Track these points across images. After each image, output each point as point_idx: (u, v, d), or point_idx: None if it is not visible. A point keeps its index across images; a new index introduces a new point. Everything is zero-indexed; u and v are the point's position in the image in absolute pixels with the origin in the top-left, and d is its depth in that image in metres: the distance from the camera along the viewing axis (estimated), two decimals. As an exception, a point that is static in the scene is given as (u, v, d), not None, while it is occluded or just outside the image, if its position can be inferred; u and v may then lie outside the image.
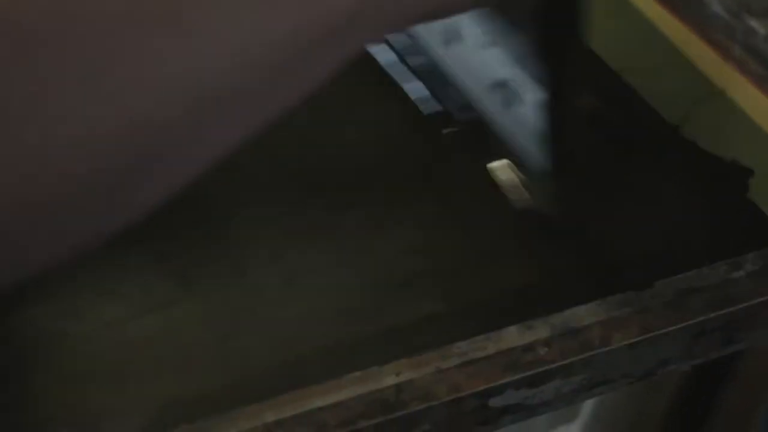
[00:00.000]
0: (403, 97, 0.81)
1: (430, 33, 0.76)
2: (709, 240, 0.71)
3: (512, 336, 0.63)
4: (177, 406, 0.63)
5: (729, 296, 0.66)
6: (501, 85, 0.70)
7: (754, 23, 0.79)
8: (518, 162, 0.72)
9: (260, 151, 0.77)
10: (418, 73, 0.83)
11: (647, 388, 1.11)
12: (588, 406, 1.12)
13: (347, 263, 0.71)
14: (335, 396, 0.61)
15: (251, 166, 0.78)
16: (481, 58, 0.72)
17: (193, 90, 0.44)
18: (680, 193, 0.75)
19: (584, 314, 0.64)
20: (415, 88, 0.82)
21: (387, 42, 0.85)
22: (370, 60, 0.84)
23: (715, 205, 0.73)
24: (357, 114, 0.81)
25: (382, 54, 0.85)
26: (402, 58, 0.84)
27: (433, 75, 0.80)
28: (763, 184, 0.74)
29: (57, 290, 0.70)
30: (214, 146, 0.48)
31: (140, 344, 0.67)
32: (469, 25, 0.72)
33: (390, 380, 0.61)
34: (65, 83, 0.41)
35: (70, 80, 0.41)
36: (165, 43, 0.42)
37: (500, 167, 0.74)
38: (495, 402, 0.62)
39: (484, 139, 0.73)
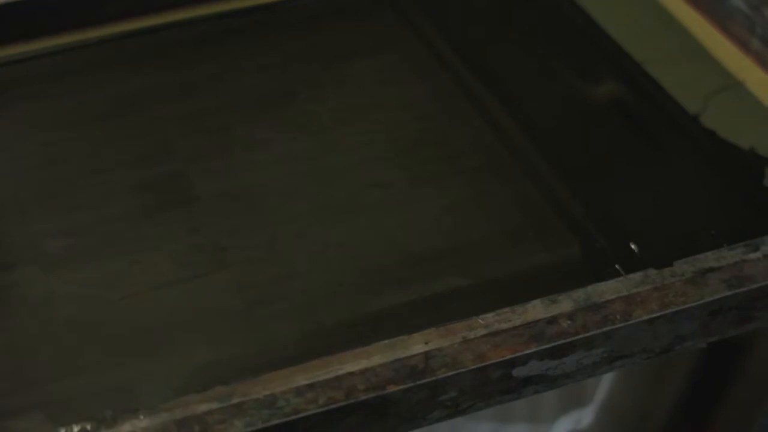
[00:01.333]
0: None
1: None
2: (727, 223, 0.73)
3: (537, 309, 0.65)
4: (212, 369, 0.65)
5: (745, 276, 0.68)
6: None
7: (773, 17, 0.81)
8: None
9: (293, 130, 0.80)
10: None
11: (656, 380, 1.13)
12: (598, 393, 1.14)
13: (374, 237, 0.74)
14: (365, 362, 0.63)
15: (284, 143, 0.80)
16: None
17: None
18: (700, 179, 0.77)
19: (606, 290, 0.66)
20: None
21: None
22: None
23: (733, 191, 0.76)
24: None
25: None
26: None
27: None
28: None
29: (91, 259, 0.72)
30: None
31: (177, 311, 0.69)
32: None
33: (419, 348, 0.63)
34: None
35: None
36: None
37: None
38: (519, 372, 0.64)
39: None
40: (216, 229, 0.74)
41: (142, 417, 0.60)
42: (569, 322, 0.65)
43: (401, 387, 0.62)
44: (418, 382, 0.62)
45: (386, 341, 0.64)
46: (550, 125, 0.81)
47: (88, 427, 0.60)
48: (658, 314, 0.66)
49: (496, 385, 0.65)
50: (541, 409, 1.16)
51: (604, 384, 1.12)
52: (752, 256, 0.69)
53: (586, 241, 0.73)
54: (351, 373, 0.62)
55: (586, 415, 1.14)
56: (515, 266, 0.72)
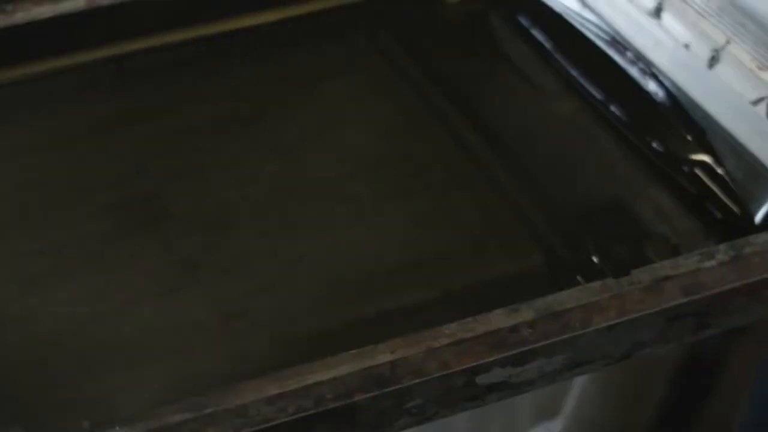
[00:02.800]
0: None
1: None
2: (684, 234, 0.75)
3: (499, 318, 0.67)
4: (187, 380, 0.67)
5: (701, 284, 0.70)
6: None
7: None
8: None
9: (264, 149, 0.82)
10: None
11: (633, 396, 1.14)
12: (573, 407, 1.16)
13: (342, 252, 0.76)
14: (333, 371, 0.64)
15: (255, 163, 0.82)
16: None
17: None
18: (657, 193, 0.80)
19: (566, 299, 0.68)
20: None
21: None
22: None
23: (689, 203, 0.78)
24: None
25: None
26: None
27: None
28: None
29: (69, 277, 0.75)
30: None
31: (151, 326, 0.71)
32: None
33: (385, 357, 0.65)
34: None
35: None
36: None
37: None
38: (482, 379, 0.66)
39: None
40: (189, 246, 0.77)
41: (118, 428, 0.62)
42: (530, 330, 0.67)
43: (368, 395, 0.64)
44: (385, 390, 0.64)
45: (354, 351, 0.66)
46: (514, 142, 0.84)
47: (66, 437, 0.62)
48: (617, 321, 0.68)
49: (461, 392, 0.66)
50: (515, 421, 1.18)
51: (580, 398, 1.14)
52: (707, 264, 0.71)
53: (549, 252, 0.76)
54: (319, 383, 0.64)
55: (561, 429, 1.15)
56: (480, 277, 0.75)
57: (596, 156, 0.83)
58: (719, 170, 0.79)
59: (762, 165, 0.78)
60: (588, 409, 1.13)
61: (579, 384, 1.09)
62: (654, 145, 0.82)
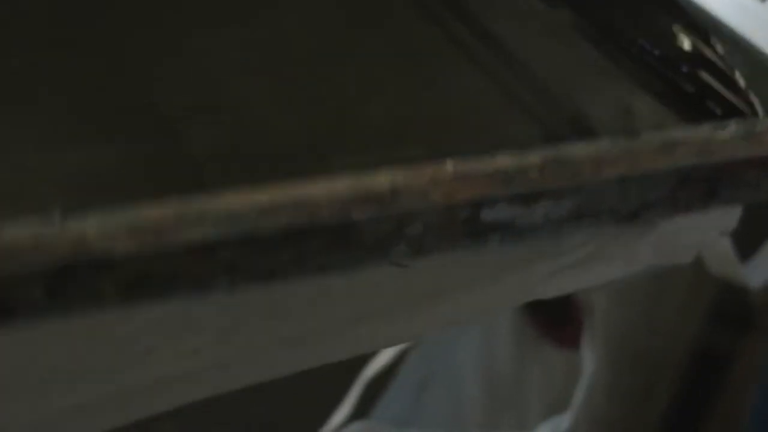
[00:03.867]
0: None
1: None
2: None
3: (508, 159, 0.64)
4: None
5: (713, 151, 0.67)
6: None
7: None
8: None
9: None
10: None
11: (640, 395, 1.12)
12: (581, 404, 1.13)
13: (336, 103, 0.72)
14: (330, 185, 0.60)
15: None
16: None
17: None
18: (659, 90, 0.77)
19: (577, 150, 0.65)
20: None
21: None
22: None
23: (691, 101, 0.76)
24: None
25: None
26: None
27: None
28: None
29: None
30: None
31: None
32: None
33: (385, 179, 0.61)
34: None
35: None
36: None
37: None
38: (487, 215, 0.62)
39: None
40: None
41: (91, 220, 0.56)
42: (539, 172, 0.63)
43: (366, 213, 0.59)
44: (383, 212, 0.60)
45: (353, 171, 0.61)
46: (506, 40, 0.81)
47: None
48: (627, 174, 0.65)
49: (463, 226, 0.62)
50: (526, 416, 1.16)
51: (588, 393, 1.12)
52: (719, 135, 0.68)
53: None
54: (314, 197, 0.59)
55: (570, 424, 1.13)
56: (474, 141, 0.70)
57: (595, 60, 0.80)
58: (721, 66, 0.76)
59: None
60: (597, 404, 1.11)
61: (588, 379, 1.06)
62: (654, 47, 0.79)
